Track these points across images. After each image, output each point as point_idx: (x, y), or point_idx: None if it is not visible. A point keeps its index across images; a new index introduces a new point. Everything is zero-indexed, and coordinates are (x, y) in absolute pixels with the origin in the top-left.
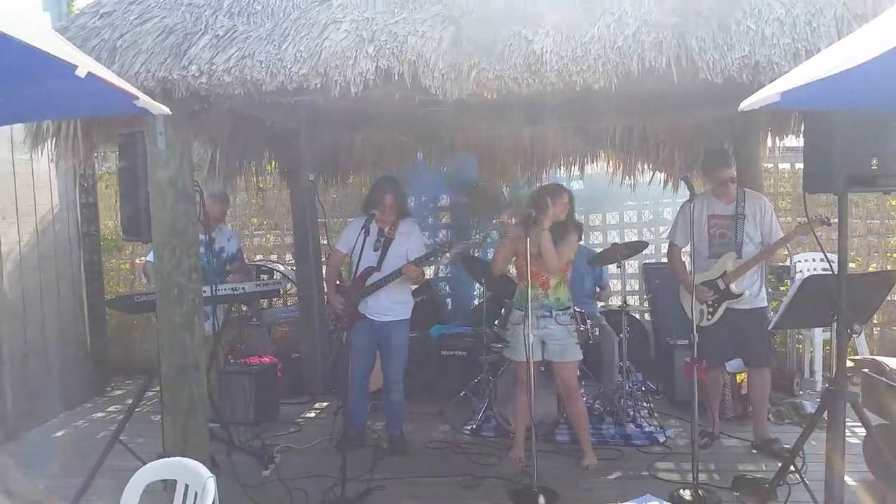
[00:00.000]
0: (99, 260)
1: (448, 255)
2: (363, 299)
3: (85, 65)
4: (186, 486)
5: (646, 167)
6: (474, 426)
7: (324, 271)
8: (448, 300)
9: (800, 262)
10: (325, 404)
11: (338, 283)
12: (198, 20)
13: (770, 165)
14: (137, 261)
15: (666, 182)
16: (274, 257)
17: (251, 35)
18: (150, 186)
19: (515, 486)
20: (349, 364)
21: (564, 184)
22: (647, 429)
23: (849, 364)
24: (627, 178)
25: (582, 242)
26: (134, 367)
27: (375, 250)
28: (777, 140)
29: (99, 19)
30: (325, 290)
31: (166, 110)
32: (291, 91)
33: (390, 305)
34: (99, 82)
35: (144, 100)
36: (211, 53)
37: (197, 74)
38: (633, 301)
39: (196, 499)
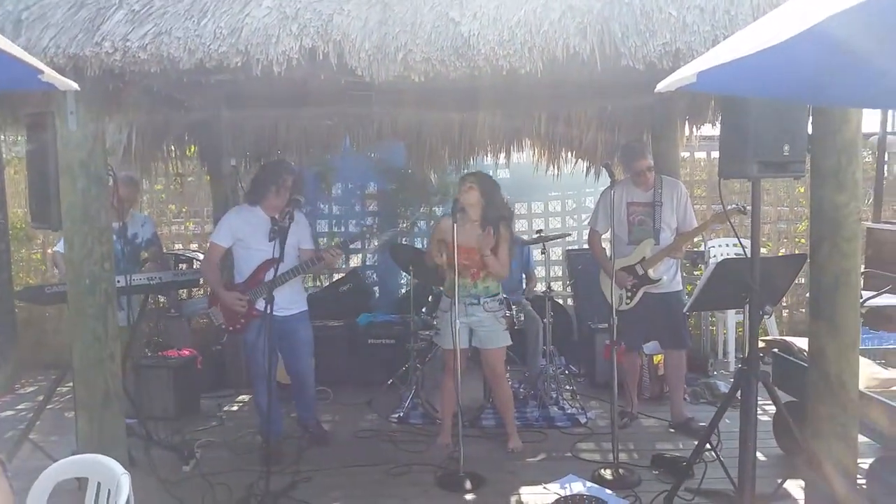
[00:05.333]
0: (7, 249)
1: (372, 240)
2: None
3: None
4: (99, 484)
5: (569, 155)
6: (401, 414)
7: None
8: (375, 288)
9: (714, 247)
10: (247, 397)
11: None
12: None
13: (687, 154)
14: (49, 250)
15: (588, 170)
16: (194, 246)
17: (168, 10)
18: (60, 170)
19: (443, 472)
20: (252, 366)
21: (491, 172)
22: (569, 411)
23: (760, 345)
24: (552, 166)
25: None
26: (45, 362)
27: (271, 241)
28: (694, 129)
29: None
30: (213, 289)
31: (74, 85)
32: (211, 69)
33: (293, 298)
34: None
35: (50, 74)
36: (126, 29)
37: (111, 51)
38: (556, 287)
39: (109, 497)
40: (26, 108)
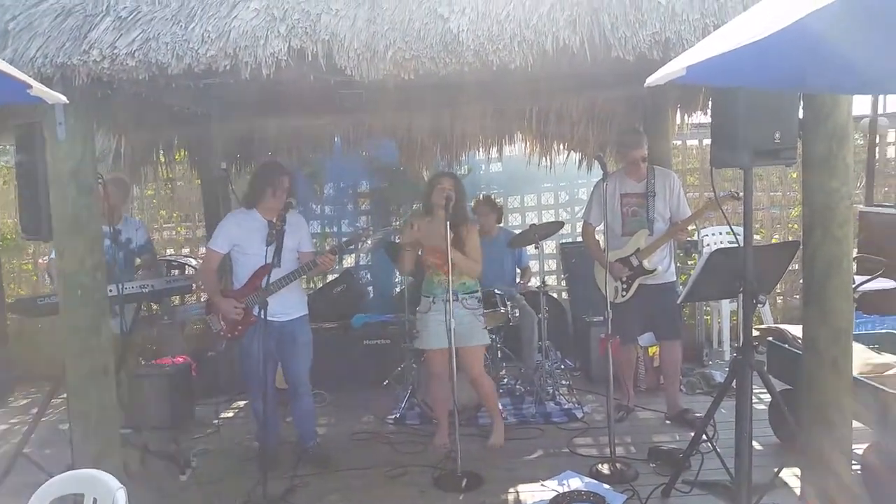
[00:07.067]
0: None
1: (368, 241)
2: (262, 301)
3: None
4: (95, 500)
5: (561, 147)
6: (398, 415)
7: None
8: (369, 288)
9: (707, 235)
10: (242, 403)
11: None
12: (98, 1)
13: (679, 142)
14: (41, 260)
15: (581, 162)
16: (186, 251)
17: (156, 16)
18: (50, 180)
19: (440, 473)
20: (248, 372)
21: (483, 166)
22: (565, 406)
23: (754, 333)
24: (544, 159)
25: (501, 224)
26: (39, 374)
27: (268, 245)
28: (685, 117)
29: None
30: (211, 297)
31: (63, 99)
32: (199, 74)
33: (292, 302)
34: None
35: (38, 88)
36: (113, 36)
37: (98, 59)
38: (551, 281)
39: None
40: (14, 119)
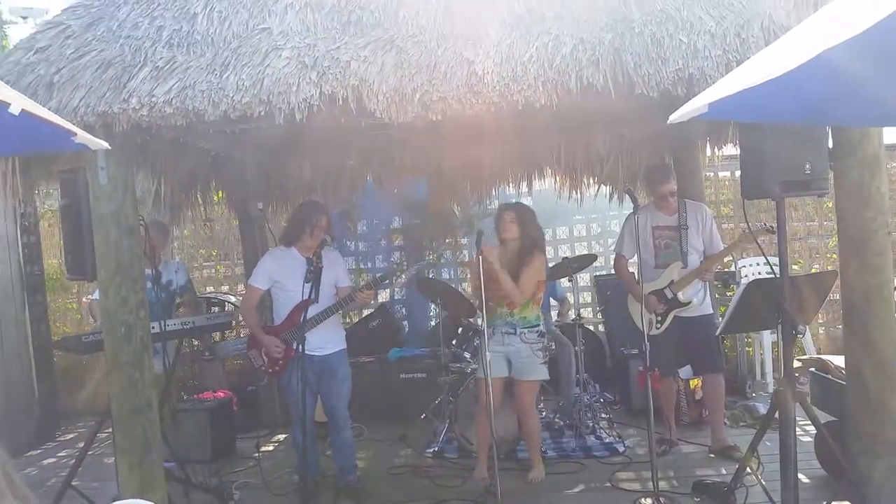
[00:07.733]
0: (44, 300)
1: (403, 276)
2: (301, 336)
3: (18, 102)
4: None
5: (591, 181)
6: (436, 448)
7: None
8: (405, 323)
9: (745, 266)
10: (283, 436)
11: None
12: (137, 52)
13: (711, 174)
14: (84, 299)
15: (611, 195)
16: (225, 288)
17: (192, 65)
18: (93, 223)
19: None
20: (290, 406)
21: (513, 201)
22: (606, 440)
23: (796, 364)
24: (574, 192)
25: None
26: (85, 410)
27: (307, 282)
28: (716, 149)
29: (34, 54)
30: (252, 333)
31: (105, 145)
32: (235, 120)
33: (331, 336)
34: (34, 119)
35: (83, 136)
36: (151, 85)
37: (137, 107)
38: (586, 313)
39: None
40: (58, 164)
